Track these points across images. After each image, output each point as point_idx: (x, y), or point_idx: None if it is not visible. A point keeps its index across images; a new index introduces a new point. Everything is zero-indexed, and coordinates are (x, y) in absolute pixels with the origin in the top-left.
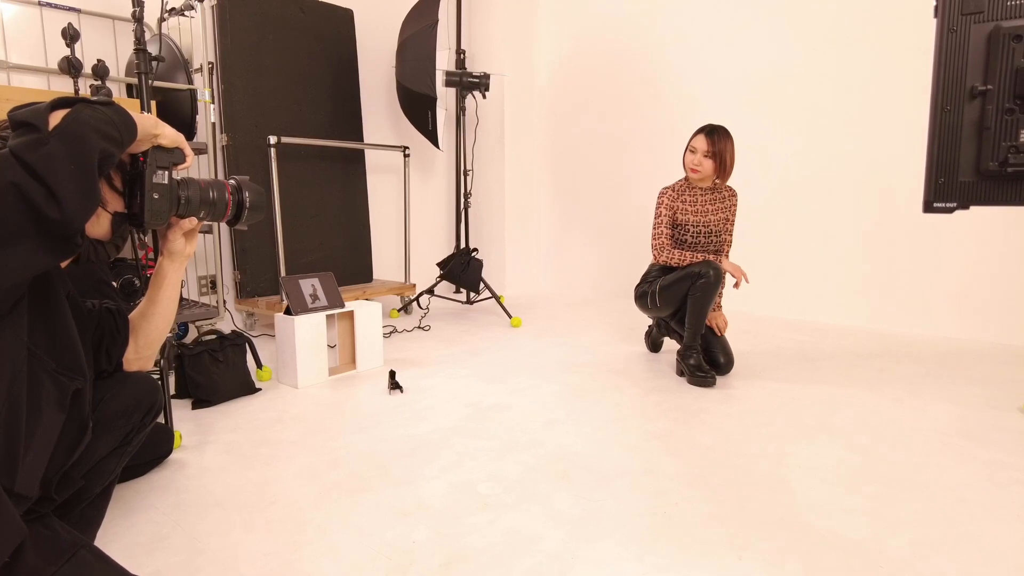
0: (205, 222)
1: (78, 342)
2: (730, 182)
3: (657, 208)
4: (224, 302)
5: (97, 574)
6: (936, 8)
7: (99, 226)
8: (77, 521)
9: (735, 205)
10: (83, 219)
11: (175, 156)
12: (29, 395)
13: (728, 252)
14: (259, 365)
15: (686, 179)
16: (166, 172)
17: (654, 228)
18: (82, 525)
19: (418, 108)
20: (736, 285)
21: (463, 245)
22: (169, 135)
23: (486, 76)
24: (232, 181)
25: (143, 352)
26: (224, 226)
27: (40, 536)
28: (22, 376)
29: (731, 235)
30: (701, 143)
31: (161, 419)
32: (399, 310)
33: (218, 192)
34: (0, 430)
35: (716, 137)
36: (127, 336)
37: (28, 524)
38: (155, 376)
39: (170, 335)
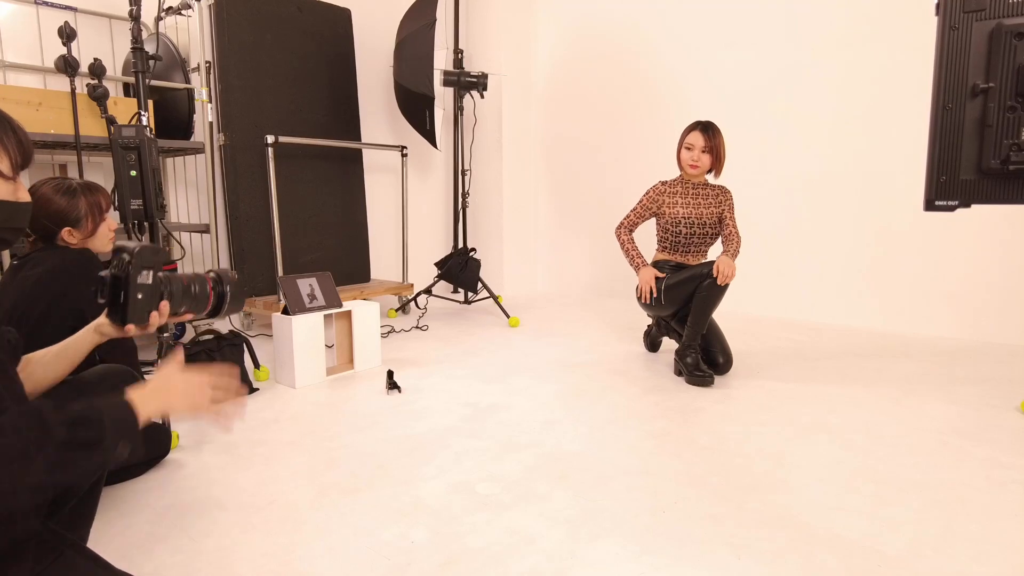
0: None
1: (15, 384)
2: (728, 181)
3: (642, 196)
4: None
5: (84, 573)
6: (938, 6)
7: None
8: (67, 520)
9: (729, 200)
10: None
11: (161, 256)
12: None
13: (737, 250)
14: (256, 365)
15: (681, 176)
16: (151, 272)
17: (631, 210)
18: (73, 524)
19: (416, 107)
20: (716, 278)
21: (461, 245)
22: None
23: (484, 76)
24: (212, 274)
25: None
26: (222, 226)
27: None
28: None
29: (737, 232)
30: (698, 139)
31: (158, 419)
32: (397, 310)
33: (199, 286)
34: None
35: (711, 132)
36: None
37: None
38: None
39: (167, 335)
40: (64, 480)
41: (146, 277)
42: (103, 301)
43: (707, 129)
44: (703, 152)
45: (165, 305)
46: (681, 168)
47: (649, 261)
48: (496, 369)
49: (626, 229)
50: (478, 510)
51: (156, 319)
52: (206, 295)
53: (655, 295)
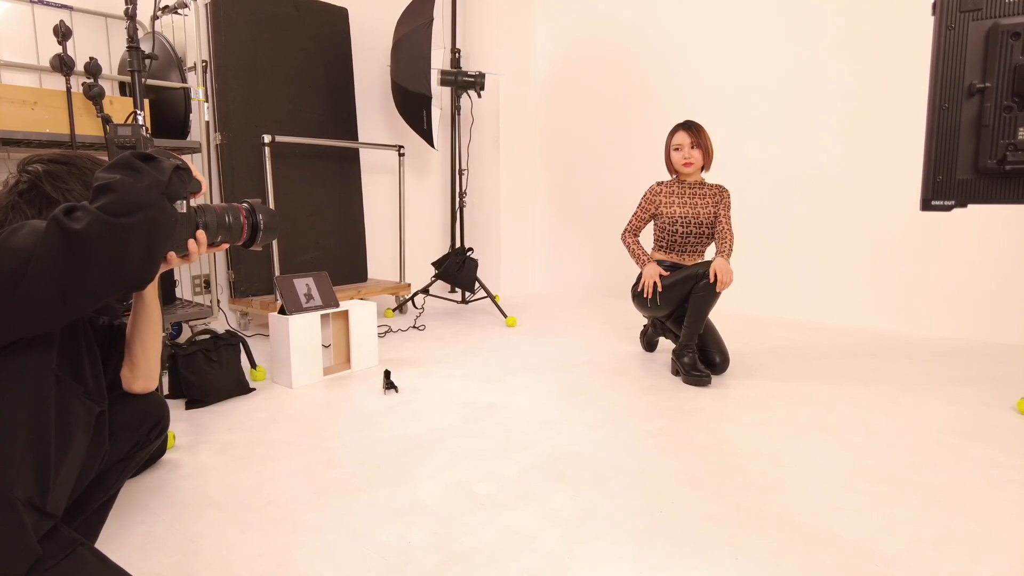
0: (223, 245)
1: (100, 366)
2: (726, 181)
3: (641, 200)
4: (218, 302)
5: (94, 570)
6: (934, 5)
7: None
8: (78, 529)
9: (727, 199)
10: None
11: (192, 185)
12: (59, 419)
13: (731, 249)
14: (253, 365)
15: (677, 177)
16: (183, 202)
17: (632, 215)
18: (82, 533)
19: (413, 107)
20: (713, 283)
21: (458, 244)
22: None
23: (481, 75)
24: (245, 204)
25: (141, 368)
26: None
27: None
28: (50, 401)
29: (730, 229)
30: (684, 138)
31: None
32: (394, 310)
33: (233, 216)
34: (29, 452)
35: (695, 129)
36: (123, 352)
37: None
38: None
39: (164, 334)
40: (158, 217)
41: (179, 206)
42: None
43: (690, 127)
44: (692, 148)
45: (202, 234)
46: (675, 171)
47: None
48: (494, 369)
49: (631, 233)
50: (476, 510)
51: (195, 247)
52: (240, 225)
53: (659, 289)
